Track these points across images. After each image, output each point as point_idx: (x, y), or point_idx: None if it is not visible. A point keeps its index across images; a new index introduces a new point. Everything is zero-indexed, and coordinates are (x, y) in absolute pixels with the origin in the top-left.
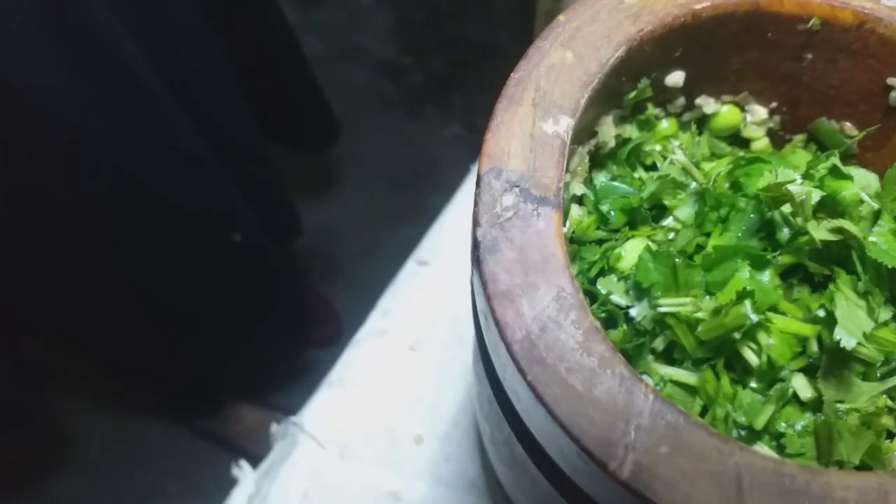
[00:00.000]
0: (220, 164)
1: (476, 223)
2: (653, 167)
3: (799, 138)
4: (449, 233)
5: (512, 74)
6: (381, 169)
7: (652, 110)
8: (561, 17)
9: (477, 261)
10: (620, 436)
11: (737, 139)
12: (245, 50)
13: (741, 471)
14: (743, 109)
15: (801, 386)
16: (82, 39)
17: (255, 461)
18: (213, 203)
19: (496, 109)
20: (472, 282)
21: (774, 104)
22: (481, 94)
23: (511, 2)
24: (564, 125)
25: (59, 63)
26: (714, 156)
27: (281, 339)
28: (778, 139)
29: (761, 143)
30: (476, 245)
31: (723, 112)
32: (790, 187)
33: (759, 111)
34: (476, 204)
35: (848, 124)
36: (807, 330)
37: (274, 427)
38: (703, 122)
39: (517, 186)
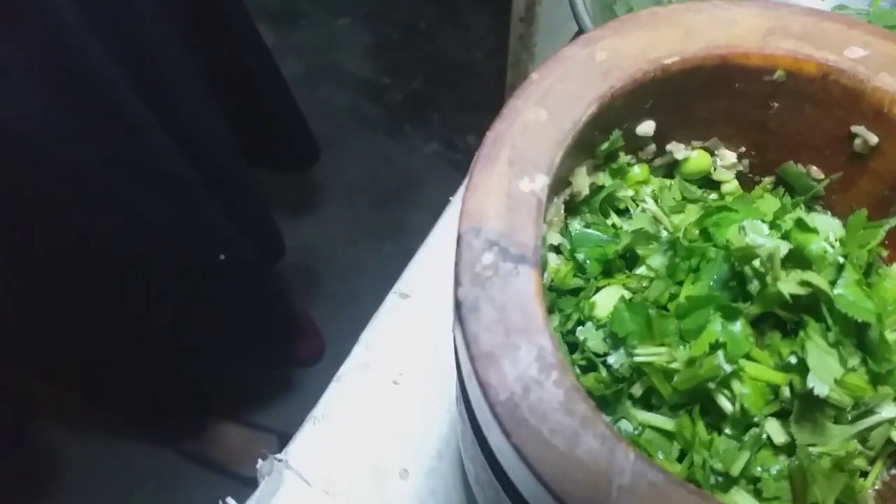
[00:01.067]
0: (204, 187)
1: (457, 282)
2: (626, 212)
3: (768, 180)
4: (428, 266)
5: (487, 133)
6: (363, 187)
7: (623, 158)
8: (534, 76)
9: (459, 320)
10: (604, 496)
11: (708, 182)
12: (225, 74)
13: None
14: (713, 154)
15: (775, 431)
16: (65, 69)
17: (241, 481)
18: (198, 224)
19: (473, 168)
20: (455, 338)
21: (743, 149)
22: (459, 111)
23: (486, 22)
24: (540, 183)
25: (42, 93)
26: (685, 199)
27: (265, 358)
28: (747, 181)
29: (731, 186)
30: (458, 304)
31: (693, 157)
32: (758, 240)
33: (729, 156)
34: (457, 263)
35: (814, 168)
36: (779, 378)
37: (260, 463)
38: (674, 166)
39: (496, 245)
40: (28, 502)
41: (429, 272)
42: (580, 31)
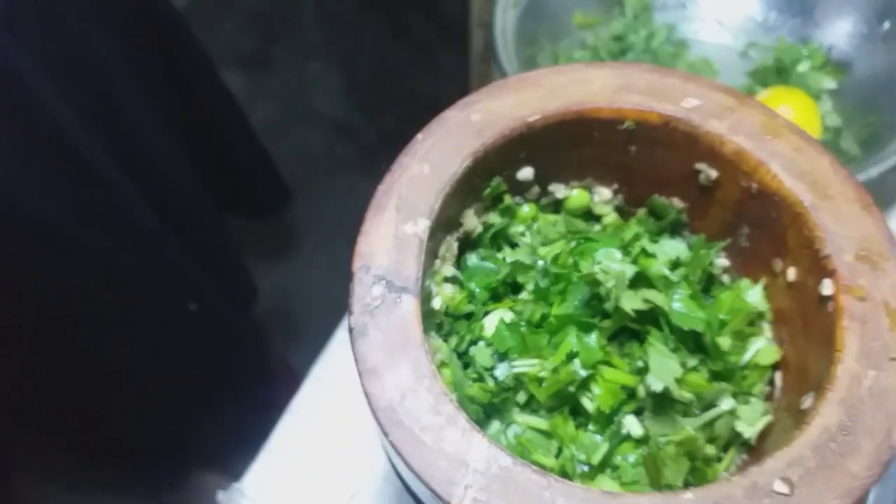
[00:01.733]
0: (173, 236)
1: (350, 312)
2: (517, 245)
3: (642, 211)
4: None
5: (379, 186)
6: (340, 228)
7: (510, 200)
8: (419, 136)
9: (352, 343)
10: (461, 477)
11: (591, 215)
12: (190, 123)
13: (556, 499)
14: (590, 191)
15: (632, 425)
16: (33, 129)
17: None
18: (167, 274)
19: (366, 216)
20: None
21: (616, 185)
22: None
23: (454, 59)
24: (422, 226)
25: (11, 152)
26: (570, 233)
27: (242, 405)
28: (625, 213)
29: (610, 218)
30: (350, 330)
31: (573, 196)
32: (611, 266)
33: (604, 192)
34: (350, 296)
35: (676, 199)
36: (631, 380)
37: (220, 494)
38: (559, 203)
39: (383, 279)
40: None
41: None
42: None
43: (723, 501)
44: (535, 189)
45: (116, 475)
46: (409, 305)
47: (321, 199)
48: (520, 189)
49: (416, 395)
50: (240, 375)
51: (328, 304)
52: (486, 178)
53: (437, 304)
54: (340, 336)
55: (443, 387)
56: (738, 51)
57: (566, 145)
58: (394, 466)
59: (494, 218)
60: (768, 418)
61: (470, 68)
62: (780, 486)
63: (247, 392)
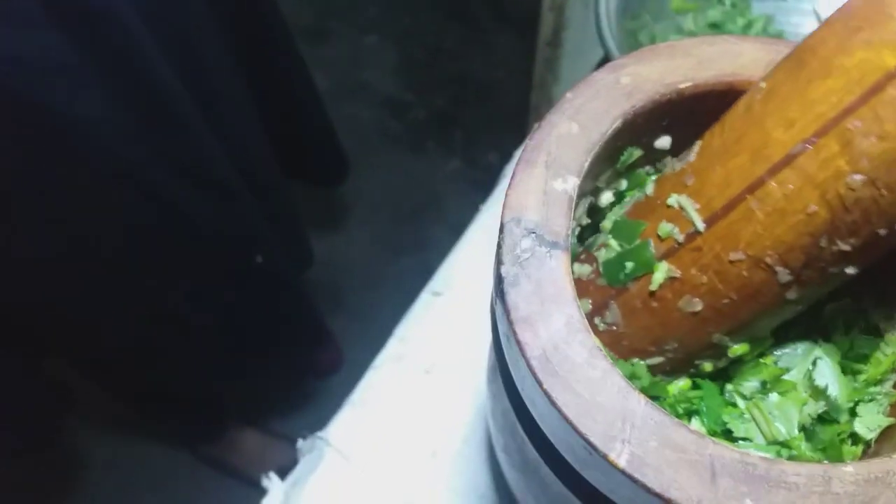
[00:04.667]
0: (245, 191)
1: (499, 262)
2: None
3: None
4: (460, 267)
5: (527, 141)
6: (385, 202)
7: (643, 170)
8: (568, 95)
9: (501, 293)
10: (618, 432)
11: None
12: (267, 89)
13: (714, 460)
14: None
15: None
16: (129, 75)
17: (255, 487)
18: (237, 226)
19: (515, 170)
20: (495, 310)
21: None
22: (481, 130)
23: (511, 43)
24: (571, 183)
25: (105, 96)
26: None
27: (287, 366)
28: None
29: None
30: (500, 280)
31: None
32: None
33: None
34: (499, 246)
35: None
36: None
37: (300, 442)
38: None
39: (533, 233)
40: (49, 498)
41: (460, 273)
42: (606, 56)
43: (885, 477)
44: (668, 160)
45: (156, 422)
46: (560, 260)
47: (368, 174)
48: (653, 158)
49: (570, 348)
50: (286, 337)
51: (369, 276)
52: (627, 143)
53: None
54: (424, 298)
55: (596, 342)
56: None
57: (709, 116)
58: (524, 427)
59: (624, 185)
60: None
61: (536, 52)
62: None
63: (289, 354)
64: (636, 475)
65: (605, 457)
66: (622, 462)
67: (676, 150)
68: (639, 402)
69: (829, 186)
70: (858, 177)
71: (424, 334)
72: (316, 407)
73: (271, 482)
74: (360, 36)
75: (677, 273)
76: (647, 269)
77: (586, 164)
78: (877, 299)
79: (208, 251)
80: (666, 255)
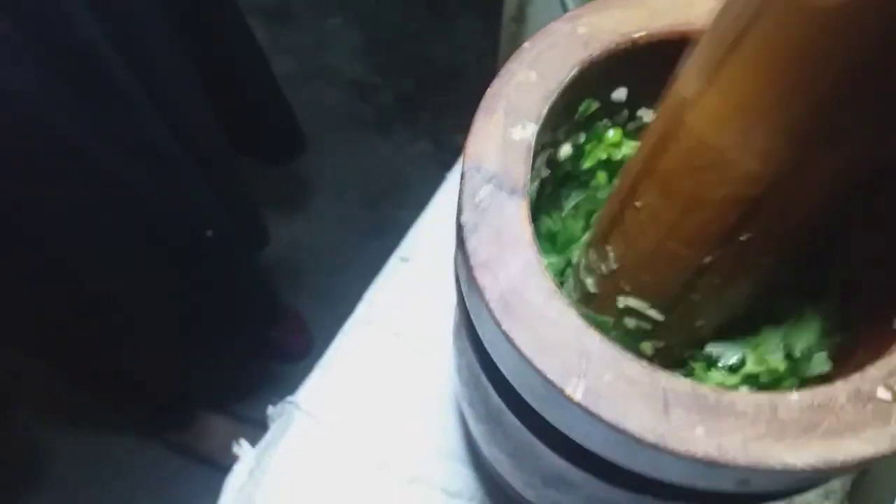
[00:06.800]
0: (193, 167)
1: (460, 210)
2: None
3: None
4: (427, 233)
5: (488, 90)
6: (351, 185)
7: (601, 123)
8: (526, 45)
9: (461, 239)
10: (574, 367)
11: None
12: (212, 61)
13: (666, 392)
14: None
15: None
16: (62, 45)
17: (226, 473)
18: (186, 201)
19: (475, 118)
20: (456, 258)
21: None
22: (448, 112)
23: (476, 25)
24: (530, 131)
25: (38, 67)
26: None
27: (253, 350)
28: None
29: None
30: (460, 227)
31: None
32: None
33: None
34: (460, 195)
35: None
36: None
37: (270, 409)
38: (642, 130)
39: (492, 180)
40: (13, 493)
41: (426, 240)
42: None
43: (827, 403)
44: (625, 112)
45: (120, 412)
46: (518, 207)
47: (334, 156)
48: (610, 111)
49: (528, 290)
50: (248, 318)
51: (335, 259)
52: (585, 94)
53: None
54: (392, 264)
55: (553, 285)
56: None
57: (664, 67)
58: (487, 373)
59: (582, 138)
60: None
61: (500, 29)
62: (882, 393)
63: (254, 336)
64: (591, 408)
65: (561, 391)
66: (578, 396)
67: (632, 102)
68: (593, 339)
69: None
70: None
71: (393, 298)
72: (286, 392)
73: (242, 448)
74: (323, 18)
75: None
76: None
77: (545, 112)
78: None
79: (155, 227)
80: None
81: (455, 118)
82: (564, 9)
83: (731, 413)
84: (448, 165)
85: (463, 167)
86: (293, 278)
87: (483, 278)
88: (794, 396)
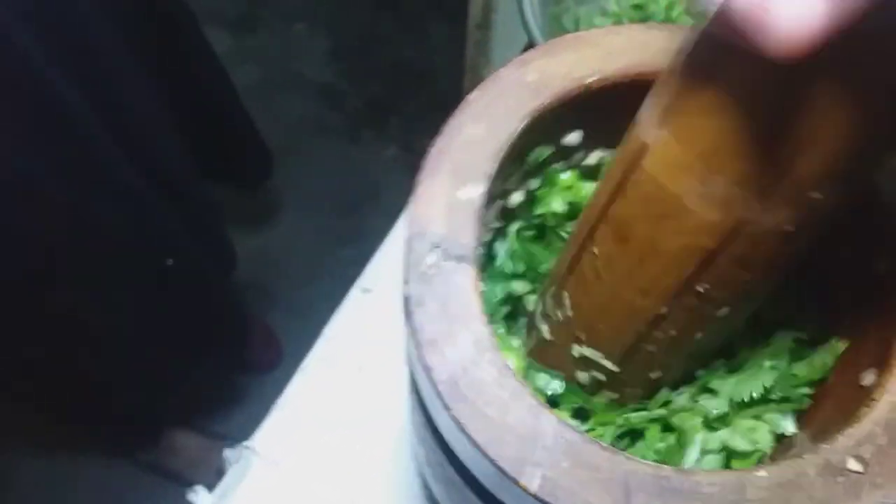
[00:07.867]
0: (156, 197)
1: (406, 281)
2: None
3: None
4: (389, 262)
5: (432, 148)
6: (323, 194)
7: (554, 167)
8: (473, 95)
9: (407, 313)
10: (529, 455)
11: None
12: (176, 88)
13: (628, 477)
14: None
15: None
16: (13, 81)
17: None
18: (148, 232)
19: (419, 179)
20: (405, 330)
21: None
22: (418, 116)
23: (444, 29)
24: (479, 191)
25: None
26: None
27: (220, 367)
28: None
29: None
30: (406, 300)
31: None
32: None
33: None
34: (405, 264)
35: None
36: None
37: (227, 452)
38: (599, 170)
39: (438, 247)
40: None
41: (390, 267)
42: (530, 41)
43: (797, 479)
44: (580, 154)
45: (88, 434)
46: (467, 274)
47: (304, 165)
48: (564, 154)
49: (479, 368)
50: (217, 337)
51: (310, 270)
52: (537, 143)
53: None
54: (354, 295)
55: (505, 360)
56: None
57: (619, 109)
58: (441, 447)
59: (535, 184)
60: None
61: (466, 35)
62: (853, 464)
63: (224, 354)
64: (548, 499)
65: (515, 482)
66: (534, 487)
67: (587, 144)
68: (550, 421)
69: None
70: None
71: (354, 332)
72: (255, 404)
73: (198, 495)
74: (288, 24)
75: None
76: None
77: (494, 169)
78: None
79: (119, 256)
80: None
81: (424, 122)
82: (523, 20)
83: (697, 497)
84: (418, 169)
85: (407, 233)
86: (263, 291)
87: (431, 358)
88: (762, 472)
